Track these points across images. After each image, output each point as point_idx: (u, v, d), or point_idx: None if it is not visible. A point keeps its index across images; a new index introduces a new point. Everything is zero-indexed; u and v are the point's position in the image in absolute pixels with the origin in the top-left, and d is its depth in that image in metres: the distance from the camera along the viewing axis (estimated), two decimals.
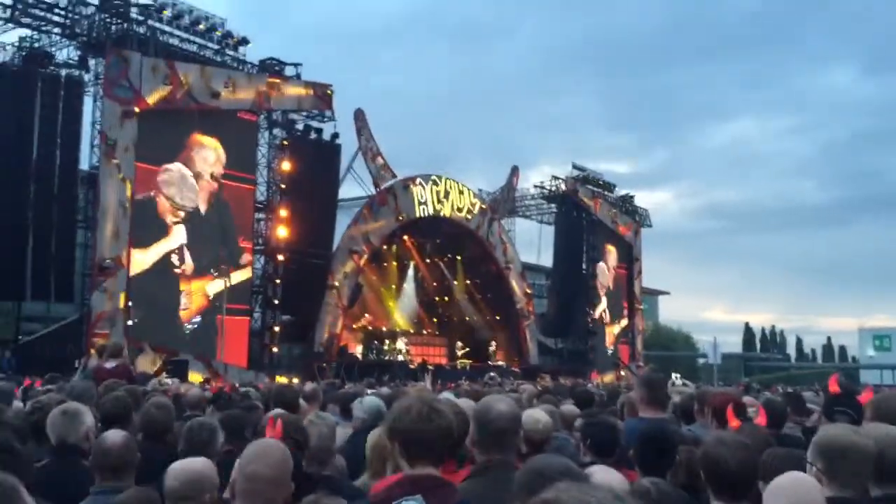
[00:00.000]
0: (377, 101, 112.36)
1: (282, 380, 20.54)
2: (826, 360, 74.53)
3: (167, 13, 23.89)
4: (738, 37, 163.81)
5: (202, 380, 17.84)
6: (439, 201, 33.46)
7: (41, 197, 21.58)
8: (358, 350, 31.12)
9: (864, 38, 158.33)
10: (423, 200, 32.71)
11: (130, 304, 21.40)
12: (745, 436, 3.10)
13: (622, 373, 38.95)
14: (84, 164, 22.99)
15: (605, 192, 43.02)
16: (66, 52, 23.38)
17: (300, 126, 27.80)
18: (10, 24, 22.29)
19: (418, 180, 32.71)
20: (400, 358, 30.94)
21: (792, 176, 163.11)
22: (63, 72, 22.99)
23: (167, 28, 24.07)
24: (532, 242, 42.16)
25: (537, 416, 3.99)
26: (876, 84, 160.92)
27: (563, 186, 39.90)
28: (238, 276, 24.61)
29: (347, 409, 5.88)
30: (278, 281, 26.47)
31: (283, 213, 26.46)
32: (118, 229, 21.59)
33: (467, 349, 35.86)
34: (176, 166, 23.38)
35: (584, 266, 40.99)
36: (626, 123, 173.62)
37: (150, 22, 23.57)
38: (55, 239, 21.72)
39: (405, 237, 34.14)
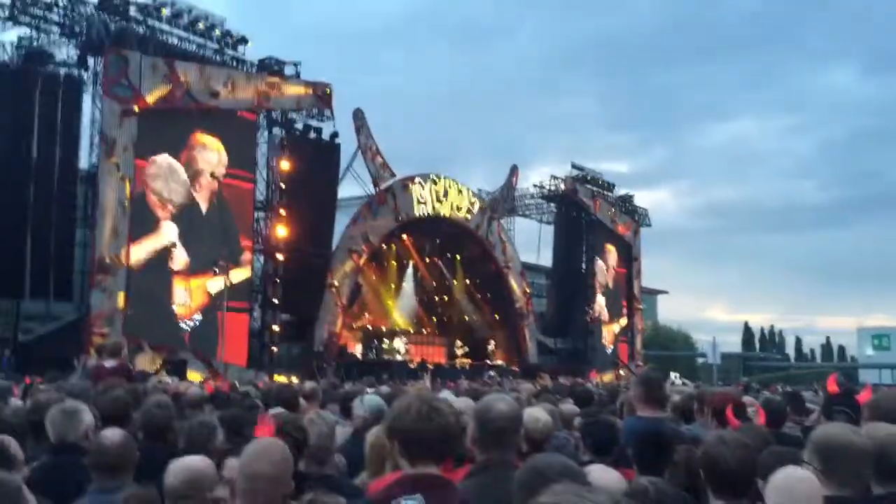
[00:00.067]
0: (377, 101, 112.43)
1: (281, 379, 20.56)
2: (825, 360, 74.53)
3: (166, 12, 23.88)
4: (738, 37, 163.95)
5: (201, 379, 17.85)
6: (438, 201, 33.43)
7: (40, 196, 21.53)
8: (357, 349, 31.17)
9: (864, 38, 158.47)
10: (422, 200, 32.69)
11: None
12: (744, 435, 3.10)
13: (621, 372, 38.93)
14: (83, 163, 22.94)
15: (605, 192, 42.98)
16: (65, 51, 23.30)
17: (299, 125, 27.77)
18: (9, 23, 22.25)
19: (417, 180, 32.69)
20: (399, 357, 30.92)
21: (791, 175, 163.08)
22: (62, 71, 22.93)
23: (166, 27, 24.05)
24: (531, 242, 42.31)
25: (537, 414, 4.00)
26: (876, 84, 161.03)
27: (562, 186, 39.85)
28: (237, 275, 24.56)
29: (347, 408, 5.89)
30: (278, 280, 26.47)
31: (283, 212, 26.46)
32: (117, 228, 21.60)
33: (466, 348, 35.92)
34: (163, 158, 23.09)
35: (583, 266, 41.01)
36: (625, 123, 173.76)
37: (149, 21, 23.56)
38: (54, 238, 21.68)
39: (404, 236, 34.11)
